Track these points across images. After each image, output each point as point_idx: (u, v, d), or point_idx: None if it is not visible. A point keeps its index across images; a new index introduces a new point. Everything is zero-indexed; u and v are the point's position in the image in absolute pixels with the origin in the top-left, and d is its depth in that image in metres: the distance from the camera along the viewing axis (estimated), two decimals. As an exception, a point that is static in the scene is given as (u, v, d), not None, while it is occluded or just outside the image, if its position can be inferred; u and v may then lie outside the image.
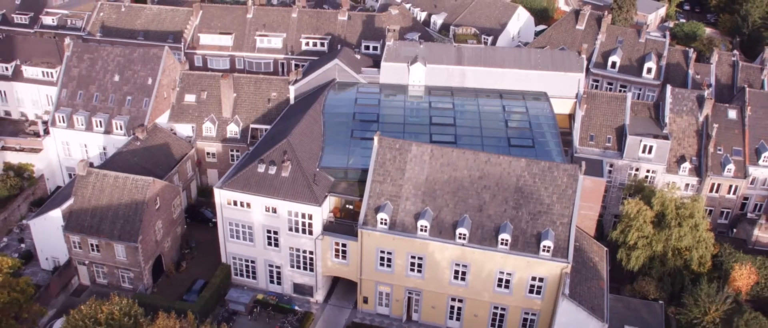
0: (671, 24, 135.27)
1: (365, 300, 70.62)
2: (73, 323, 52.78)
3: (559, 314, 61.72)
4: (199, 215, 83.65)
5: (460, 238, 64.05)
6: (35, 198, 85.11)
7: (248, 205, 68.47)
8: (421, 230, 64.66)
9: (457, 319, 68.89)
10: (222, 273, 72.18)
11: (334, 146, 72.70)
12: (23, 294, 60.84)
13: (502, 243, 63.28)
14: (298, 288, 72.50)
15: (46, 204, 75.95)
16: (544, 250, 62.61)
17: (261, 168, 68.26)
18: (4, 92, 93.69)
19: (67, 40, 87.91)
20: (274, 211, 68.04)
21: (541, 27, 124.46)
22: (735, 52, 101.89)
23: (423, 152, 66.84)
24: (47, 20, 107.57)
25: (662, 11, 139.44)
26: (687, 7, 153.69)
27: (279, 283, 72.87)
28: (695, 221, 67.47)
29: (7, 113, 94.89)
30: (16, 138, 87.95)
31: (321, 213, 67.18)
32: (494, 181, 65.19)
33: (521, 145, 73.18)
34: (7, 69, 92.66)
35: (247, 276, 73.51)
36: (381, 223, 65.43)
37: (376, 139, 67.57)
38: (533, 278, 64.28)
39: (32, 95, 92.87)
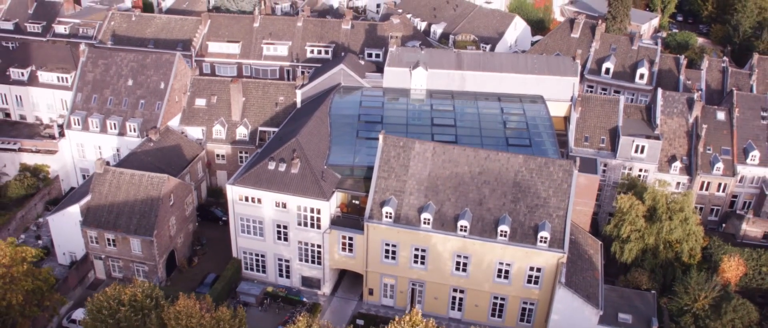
0: (664, 34, 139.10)
1: (370, 292, 73.73)
2: (97, 304, 55.83)
3: (555, 302, 64.94)
4: (210, 214, 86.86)
5: (461, 230, 67.30)
6: (51, 198, 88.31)
7: (259, 200, 71.69)
8: (425, 222, 67.91)
9: (459, 309, 71.99)
10: (233, 267, 75.28)
11: (341, 145, 76.03)
12: (46, 283, 63.89)
13: (501, 235, 66.57)
14: (306, 281, 75.59)
15: (63, 201, 79.20)
16: (541, 241, 65.88)
17: (271, 165, 71.57)
18: (20, 97, 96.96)
19: (82, 46, 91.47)
20: (284, 206, 71.27)
21: (538, 37, 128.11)
22: (725, 58, 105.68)
23: (426, 149, 70.23)
24: (59, 29, 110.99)
25: (655, 22, 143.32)
26: (680, 18, 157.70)
27: (288, 276, 75.97)
28: (685, 215, 70.82)
29: (22, 117, 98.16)
30: (33, 140, 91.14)
31: (328, 208, 70.41)
32: (493, 176, 68.56)
33: (519, 144, 76.51)
34: (22, 74, 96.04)
35: (257, 270, 76.59)
36: (386, 216, 68.69)
37: (381, 137, 70.98)
38: (531, 269, 67.50)
39: (47, 100, 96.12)
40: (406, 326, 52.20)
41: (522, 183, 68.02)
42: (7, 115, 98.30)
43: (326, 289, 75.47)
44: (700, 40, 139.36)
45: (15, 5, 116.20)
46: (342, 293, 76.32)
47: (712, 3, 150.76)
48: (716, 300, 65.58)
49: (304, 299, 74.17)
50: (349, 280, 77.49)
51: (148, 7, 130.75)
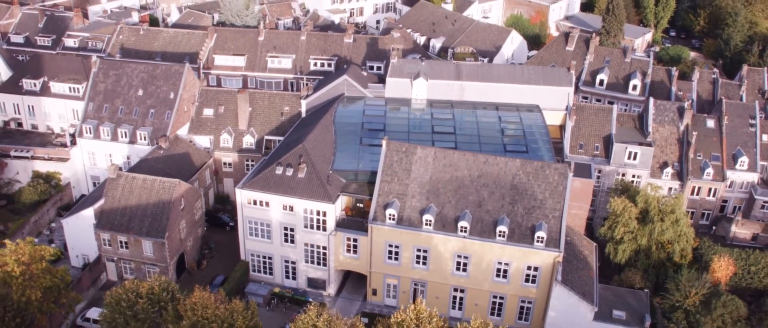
0: (657, 48, 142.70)
1: (374, 292, 76.43)
2: (116, 296, 58.57)
3: (552, 299, 67.73)
4: (218, 219, 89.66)
5: (461, 231, 70.18)
6: (62, 204, 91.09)
7: (267, 204, 74.53)
8: (426, 224, 70.77)
9: (459, 308, 74.65)
10: (241, 268, 77.97)
11: (345, 151, 78.98)
12: (62, 281, 66.53)
13: (499, 235, 69.45)
14: (312, 282, 78.28)
15: (77, 205, 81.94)
16: (538, 240, 68.77)
17: (279, 170, 74.48)
18: (32, 107, 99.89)
19: (93, 58, 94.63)
20: (291, 209, 74.13)
21: (534, 52, 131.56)
22: (715, 70, 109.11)
23: (427, 154, 73.27)
24: (69, 42, 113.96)
25: (649, 36, 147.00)
26: (673, 33, 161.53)
27: (294, 278, 78.65)
28: (676, 216, 73.81)
29: (34, 126, 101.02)
30: (45, 148, 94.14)
31: (334, 210, 73.26)
32: (492, 179, 71.56)
33: (516, 150, 79.45)
34: (35, 85, 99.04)
35: (265, 272, 79.27)
36: (389, 218, 71.55)
37: (384, 143, 74.03)
38: (529, 268, 70.32)
39: (59, 109, 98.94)
40: (412, 314, 54.98)
41: (519, 186, 70.99)
42: (19, 124, 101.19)
43: (331, 290, 78.12)
44: (693, 54, 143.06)
45: (25, 19, 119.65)
46: (346, 293, 79.00)
47: (704, 18, 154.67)
48: (706, 297, 68.40)
49: (310, 300, 76.73)
50: (353, 281, 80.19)
51: (153, 23, 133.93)
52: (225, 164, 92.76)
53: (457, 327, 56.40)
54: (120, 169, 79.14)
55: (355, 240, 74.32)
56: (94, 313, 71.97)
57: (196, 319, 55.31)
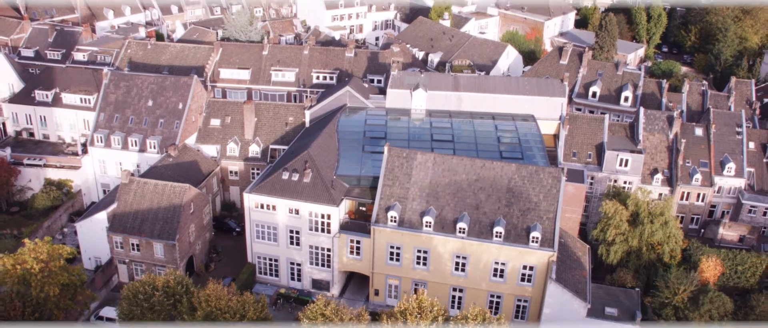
0: (649, 63, 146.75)
1: (376, 293, 79.41)
2: (133, 289, 61.61)
3: (547, 296, 70.77)
4: (224, 225, 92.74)
5: (460, 232, 73.37)
6: (74, 210, 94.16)
7: (273, 207, 77.72)
8: (426, 225, 73.97)
9: (458, 308, 77.61)
10: (248, 271, 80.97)
11: (348, 158, 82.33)
12: (78, 279, 69.56)
13: (496, 236, 72.64)
14: (316, 283, 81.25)
15: (90, 209, 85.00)
16: (533, 241, 71.96)
17: (285, 175, 77.75)
18: (44, 117, 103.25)
19: (105, 70, 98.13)
20: (297, 212, 77.31)
21: (528, 67, 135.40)
22: (704, 82, 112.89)
23: (427, 160, 76.64)
24: (78, 56, 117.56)
25: (641, 52, 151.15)
26: (665, 49, 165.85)
27: (299, 279, 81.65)
28: (665, 218, 77.12)
29: (46, 136, 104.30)
30: (57, 156, 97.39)
31: (338, 213, 76.45)
32: (489, 183, 74.90)
33: (511, 157, 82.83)
34: (47, 96, 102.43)
35: (271, 274, 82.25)
36: (391, 220, 74.75)
37: (386, 149, 77.42)
38: (524, 267, 73.45)
39: (70, 120, 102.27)
40: (414, 303, 58.04)
41: (515, 189, 74.30)
42: (31, 134, 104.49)
43: (335, 290, 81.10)
44: (684, 68, 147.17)
45: (35, 34, 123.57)
46: (350, 294, 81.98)
47: (695, 34, 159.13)
48: (694, 293, 71.52)
49: (315, 299, 79.49)
50: (355, 283, 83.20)
51: (159, 39, 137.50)
52: (231, 172, 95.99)
53: (457, 317, 59.17)
54: (132, 174, 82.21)
55: (358, 242, 77.44)
56: (106, 312, 74.87)
57: (210, 310, 58.36)
